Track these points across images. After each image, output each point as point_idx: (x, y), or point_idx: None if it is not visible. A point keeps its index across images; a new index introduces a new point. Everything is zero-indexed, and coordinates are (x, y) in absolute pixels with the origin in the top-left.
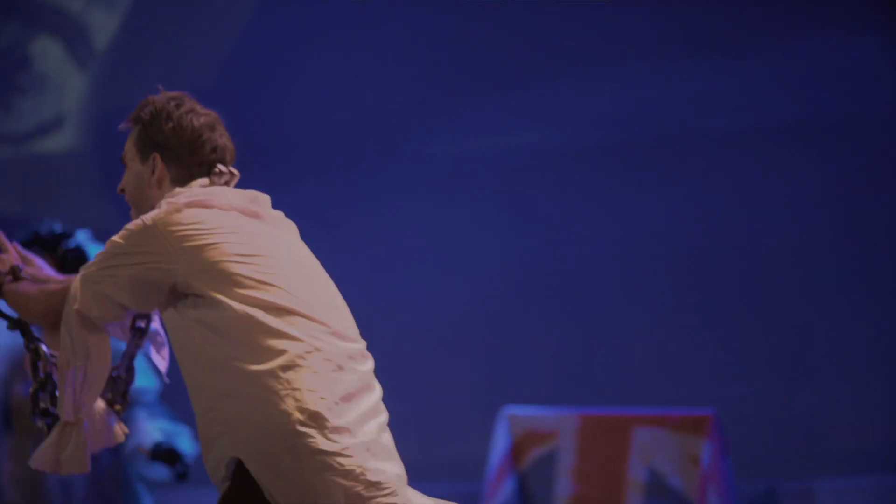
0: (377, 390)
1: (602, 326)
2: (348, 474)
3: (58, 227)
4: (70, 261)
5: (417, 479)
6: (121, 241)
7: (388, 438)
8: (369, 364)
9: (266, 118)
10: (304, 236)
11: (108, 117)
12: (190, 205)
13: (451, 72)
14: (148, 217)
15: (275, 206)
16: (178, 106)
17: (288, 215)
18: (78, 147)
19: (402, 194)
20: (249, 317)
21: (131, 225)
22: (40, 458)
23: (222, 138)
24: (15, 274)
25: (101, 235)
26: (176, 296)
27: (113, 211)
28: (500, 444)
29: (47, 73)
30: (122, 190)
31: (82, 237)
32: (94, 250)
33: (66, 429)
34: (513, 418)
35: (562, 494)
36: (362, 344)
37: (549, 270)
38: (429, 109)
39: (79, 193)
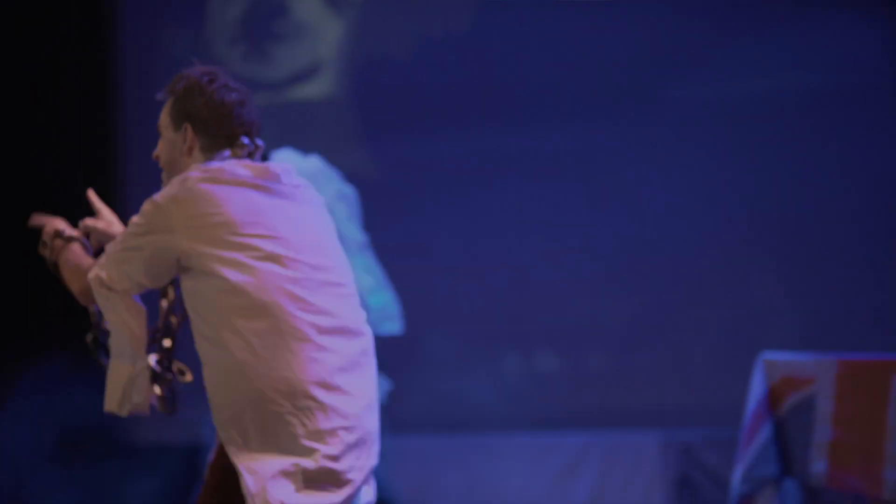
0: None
1: (853, 271)
2: None
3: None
4: None
5: (675, 425)
6: (138, 221)
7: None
8: (358, 342)
9: (524, 62)
10: (562, 181)
11: (364, 65)
12: (202, 180)
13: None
14: (159, 196)
15: (532, 150)
16: (210, 81)
17: (548, 160)
18: (334, 94)
19: (653, 138)
20: (236, 289)
21: (146, 204)
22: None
23: (250, 114)
24: (60, 236)
25: (357, 181)
26: (184, 269)
27: (367, 157)
28: (756, 389)
29: (305, 21)
30: (157, 156)
31: (282, 154)
32: (297, 164)
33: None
34: (769, 364)
35: (820, 440)
36: (352, 320)
37: (799, 214)
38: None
39: (334, 140)
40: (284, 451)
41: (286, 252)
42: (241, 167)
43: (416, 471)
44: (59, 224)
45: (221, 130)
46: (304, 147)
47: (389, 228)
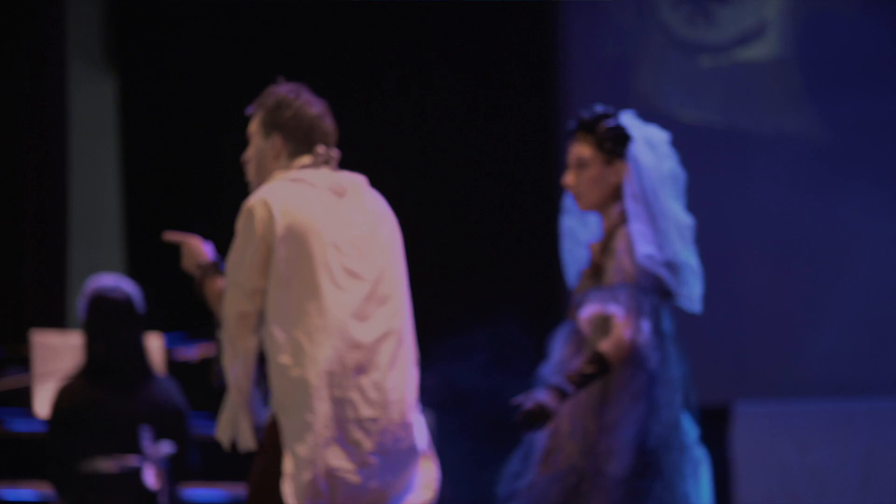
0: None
1: None
2: None
3: (599, 108)
4: (608, 140)
5: None
6: (238, 231)
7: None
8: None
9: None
10: None
11: (808, 25)
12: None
13: None
14: (249, 202)
15: None
16: (297, 96)
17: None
18: (779, 55)
19: None
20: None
21: (241, 212)
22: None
23: (329, 125)
24: (215, 269)
25: (803, 142)
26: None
27: (814, 118)
28: None
29: None
30: (245, 161)
31: (625, 118)
32: (638, 131)
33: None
34: None
35: None
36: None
37: None
38: None
39: (779, 102)
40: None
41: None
42: (318, 175)
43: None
44: (205, 247)
45: (304, 139)
46: (749, 109)
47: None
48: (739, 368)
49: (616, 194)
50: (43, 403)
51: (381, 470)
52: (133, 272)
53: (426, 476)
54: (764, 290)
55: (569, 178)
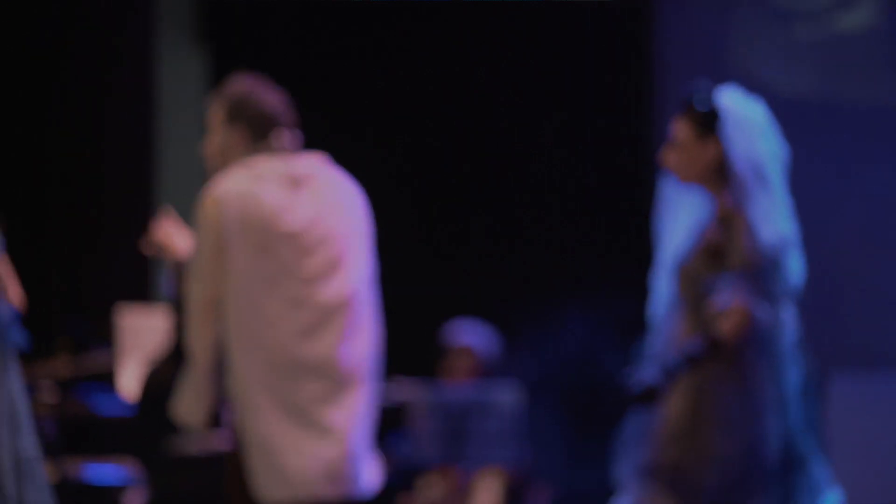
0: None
1: None
2: None
3: (697, 84)
4: (701, 117)
5: None
6: (196, 223)
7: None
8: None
9: None
10: None
11: None
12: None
13: None
14: (205, 195)
15: None
16: (257, 89)
17: None
18: (876, 24)
19: None
20: None
21: (199, 205)
22: None
23: (288, 115)
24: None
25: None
26: None
27: None
28: None
29: None
30: (207, 150)
31: (724, 93)
32: (736, 106)
33: None
34: None
35: None
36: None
37: None
38: None
39: (877, 72)
40: None
41: None
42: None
43: None
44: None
45: (267, 130)
46: (846, 79)
47: None
48: (838, 341)
49: (719, 173)
50: (128, 383)
51: None
52: None
53: None
54: (861, 265)
55: (665, 155)
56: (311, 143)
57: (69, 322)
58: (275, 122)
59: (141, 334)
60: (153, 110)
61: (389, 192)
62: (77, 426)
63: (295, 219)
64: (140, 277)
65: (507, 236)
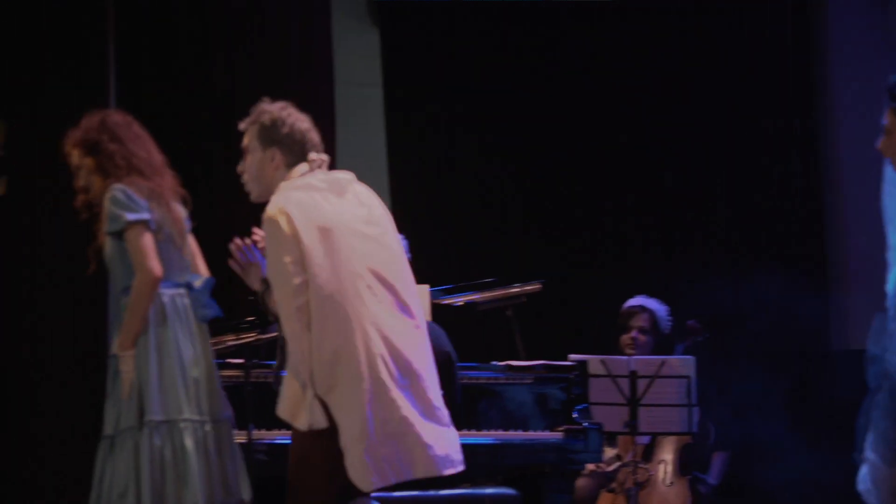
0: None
1: None
2: None
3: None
4: None
5: None
6: (267, 240)
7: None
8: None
9: None
10: None
11: None
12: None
13: None
14: (269, 212)
15: None
16: (288, 114)
17: None
18: None
19: None
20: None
21: (264, 222)
22: None
23: (316, 135)
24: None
25: None
26: None
27: None
28: None
29: None
30: (242, 171)
31: None
32: None
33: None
34: None
35: None
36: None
37: None
38: None
39: None
40: None
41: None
42: (317, 177)
43: None
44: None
45: (300, 151)
46: None
47: None
48: None
49: None
50: None
51: None
52: (399, 223)
53: None
54: None
55: (881, 143)
56: (479, 122)
57: (254, 294)
58: (307, 144)
59: None
60: (332, 89)
61: (559, 184)
62: (262, 393)
63: (352, 217)
64: None
65: (683, 232)
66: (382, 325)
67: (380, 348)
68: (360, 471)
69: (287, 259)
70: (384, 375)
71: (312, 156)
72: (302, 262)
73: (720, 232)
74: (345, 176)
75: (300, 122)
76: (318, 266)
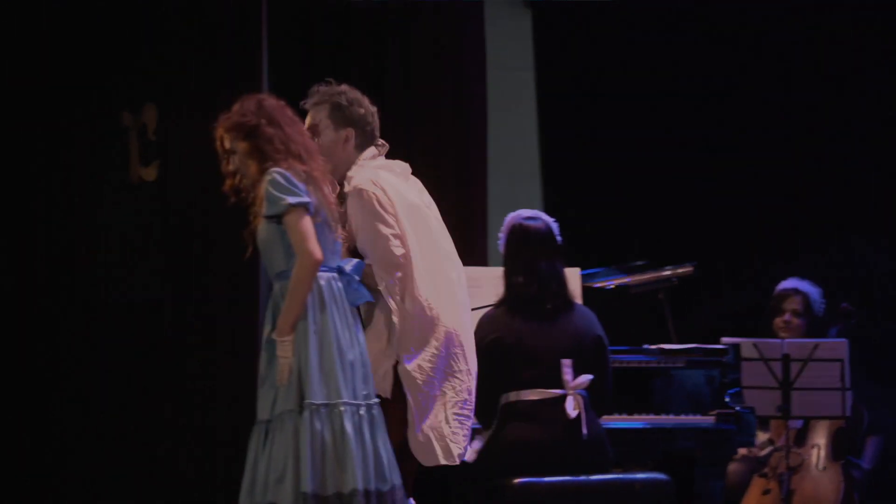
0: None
1: None
2: None
3: None
4: None
5: None
6: (358, 213)
7: None
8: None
9: None
10: None
11: None
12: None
13: None
14: (358, 185)
15: None
16: (362, 97)
17: None
18: None
19: None
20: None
21: (353, 195)
22: None
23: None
24: None
25: None
26: None
27: None
28: None
29: None
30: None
31: None
32: None
33: None
34: None
35: None
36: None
37: None
38: None
39: None
40: None
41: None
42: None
43: None
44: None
45: (371, 133)
46: None
47: None
48: None
49: None
50: None
51: None
52: (551, 207)
53: None
54: None
55: None
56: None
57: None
58: (376, 128)
59: (476, 287)
60: (485, 74)
61: (712, 167)
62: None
63: (419, 199)
64: (475, 236)
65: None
66: (458, 304)
67: (456, 327)
68: (425, 445)
69: (388, 232)
70: (457, 354)
71: (380, 140)
72: (400, 236)
73: (876, 216)
74: (404, 164)
75: (371, 105)
76: (413, 242)
